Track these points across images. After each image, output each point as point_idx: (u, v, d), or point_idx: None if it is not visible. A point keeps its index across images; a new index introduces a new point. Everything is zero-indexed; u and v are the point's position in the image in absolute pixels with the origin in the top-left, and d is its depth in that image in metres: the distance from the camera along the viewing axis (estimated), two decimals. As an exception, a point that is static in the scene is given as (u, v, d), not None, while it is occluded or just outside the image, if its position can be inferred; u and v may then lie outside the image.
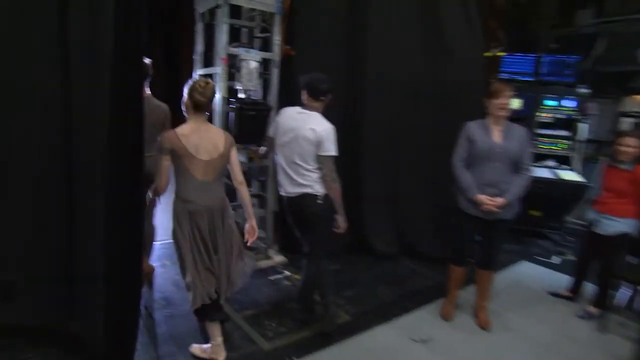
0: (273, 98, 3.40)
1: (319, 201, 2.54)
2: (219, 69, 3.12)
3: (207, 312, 2.31)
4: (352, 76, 3.83)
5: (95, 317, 2.18)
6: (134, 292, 2.24)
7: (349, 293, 3.26)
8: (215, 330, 2.36)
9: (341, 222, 2.63)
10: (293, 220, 2.68)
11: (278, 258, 3.62)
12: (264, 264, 3.54)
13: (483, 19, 3.95)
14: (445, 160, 2.86)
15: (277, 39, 3.31)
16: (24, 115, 2.18)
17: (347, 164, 3.76)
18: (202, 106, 2.21)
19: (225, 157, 2.28)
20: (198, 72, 3.56)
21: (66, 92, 2.14)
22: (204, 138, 2.21)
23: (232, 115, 3.13)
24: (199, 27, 3.48)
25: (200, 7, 3.38)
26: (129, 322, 2.22)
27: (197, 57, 3.56)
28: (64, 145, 2.18)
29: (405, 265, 3.92)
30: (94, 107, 2.03)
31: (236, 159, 2.36)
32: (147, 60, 2.62)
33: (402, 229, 4.07)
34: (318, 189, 2.54)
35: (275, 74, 3.37)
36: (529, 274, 3.93)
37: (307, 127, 2.48)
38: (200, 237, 2.24)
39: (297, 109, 2.61)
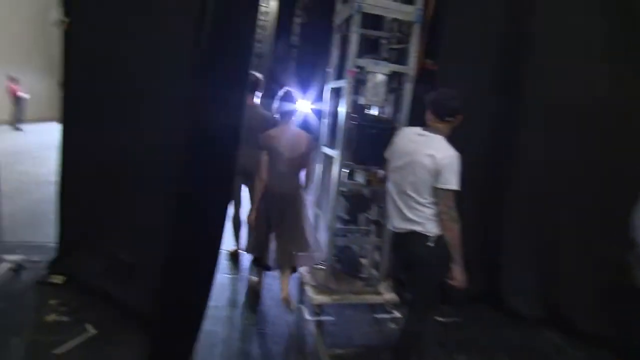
0: (404, 116, 3.04)
1: (429, 243, 2.09)
2: (344, 82, 2.93)
3: (257, 263, 3.18)
4: (505, 98, 3.24)
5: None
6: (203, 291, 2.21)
7: (462, 358, 2.66)
8: (283, 282, 3.06)
9: (457, 273, 2.12)
10: (397, 260, 2.30)
11: (389, 295, 3.20)
12: (371, 298, 3.16)
13: None
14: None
15: (413, 51, 2.94)
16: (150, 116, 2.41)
17: (488, 200, 3.22)
18: (286, 111, 2.98)
19: (304, 156, 2.98)
20: (330, 86, 3.47)
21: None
22: (289, 140, 2.93)
23: (352, 131, 2.90)
24: (335, 39, 3.37)
25: (338, 18, 3.26)
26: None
27: (330, 70, 3.45)
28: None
29: (547, 336, 3.05)
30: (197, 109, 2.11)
31: (311, 160, 3.08)
32: (258, 75, 3.48)
33: (551, 288, 3.21)
34: (430, 228, 2.09)
35: (408, 89, 3.00)
36: None
37: (425, 152, 2.07)
38: (267, 215, 2.95)
39: (418, 129, 2.22)
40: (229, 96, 2.06)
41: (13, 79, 11.51)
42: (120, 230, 2.82)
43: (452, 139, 2.16)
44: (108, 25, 2.71)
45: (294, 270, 3.12)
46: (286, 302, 2.99)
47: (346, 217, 3.41)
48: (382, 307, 3.18)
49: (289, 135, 2.94)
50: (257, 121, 3.26)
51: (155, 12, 2.52)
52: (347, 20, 3.07)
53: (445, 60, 3.19)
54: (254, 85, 3.42)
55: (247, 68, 2.22)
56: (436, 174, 2.03)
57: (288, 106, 3.02)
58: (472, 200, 3.28)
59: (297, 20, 17.67)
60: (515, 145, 3.24)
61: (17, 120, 11.58)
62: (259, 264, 3.17)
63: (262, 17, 19.53)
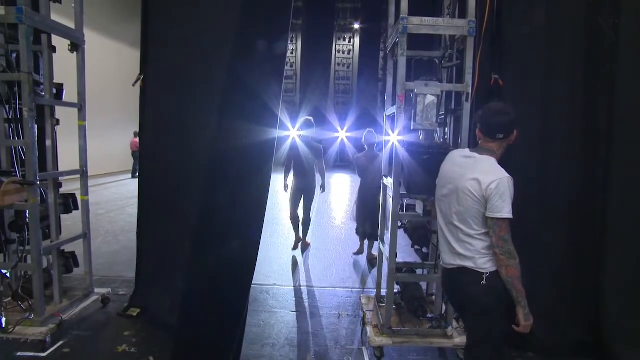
0: (464, 138, 2.76)
1: (482, 282, 1.79)
2: (394, 108, 2.78)
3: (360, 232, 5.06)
4: (589, 111, 2.80)
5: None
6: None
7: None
8: (370, 246, 5.05)
9: (521, 317, 1.76)
10: (450, 301, 2.01)
11: (459, 339, 2.82)
12: (439, 342, 2.82)
13: None
14: None
15: (469, 67, 2.69)
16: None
17: (582, 229, 2.79)
18: (367, 143, 4.84)
19: (380, 172, 3.82)
20: (386, 113, 3.35)
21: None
22: (370, 161, 4.72)
23: (404, 158, 2.71)
24: (389, 65, 3.26)
25: (389, 43, 3.17)
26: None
27: (387, 97, 3.34)
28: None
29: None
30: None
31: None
32: (310, 118, 5.00)
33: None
34: (482, 264, 1.80)
35: (466, 109, 2.73)
36: None
37: (469, 177, 1.81)
38: (364, 205, 4.84)
39: (465, 151, 1.97)
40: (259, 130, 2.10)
41: (136, 134, 13.44)
42: (182, 268, 2.96)
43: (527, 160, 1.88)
44: (169, 80, 3.00)
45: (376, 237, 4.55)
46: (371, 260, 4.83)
47: (424, 250, 3.18)
48: (452, 352, 2.81)
49: (369, 158, 4.77)
50: (307, 151, 4.91)
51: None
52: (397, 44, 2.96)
53: (509, 74, 2.89)
54: (310, 124, 4.96)
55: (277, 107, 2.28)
56: (484, 200, 1.76)
57: (370, 138, 4.78)
58: (560, 231, 2.83)
59: (381, 54, 17.83)
60: (607, 163, 2.74)
61: (135, 169, 13.39)
62: (361, 233, 4.99)
63: (346, 55, 20.08)
